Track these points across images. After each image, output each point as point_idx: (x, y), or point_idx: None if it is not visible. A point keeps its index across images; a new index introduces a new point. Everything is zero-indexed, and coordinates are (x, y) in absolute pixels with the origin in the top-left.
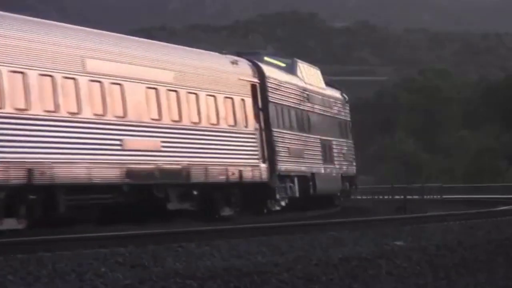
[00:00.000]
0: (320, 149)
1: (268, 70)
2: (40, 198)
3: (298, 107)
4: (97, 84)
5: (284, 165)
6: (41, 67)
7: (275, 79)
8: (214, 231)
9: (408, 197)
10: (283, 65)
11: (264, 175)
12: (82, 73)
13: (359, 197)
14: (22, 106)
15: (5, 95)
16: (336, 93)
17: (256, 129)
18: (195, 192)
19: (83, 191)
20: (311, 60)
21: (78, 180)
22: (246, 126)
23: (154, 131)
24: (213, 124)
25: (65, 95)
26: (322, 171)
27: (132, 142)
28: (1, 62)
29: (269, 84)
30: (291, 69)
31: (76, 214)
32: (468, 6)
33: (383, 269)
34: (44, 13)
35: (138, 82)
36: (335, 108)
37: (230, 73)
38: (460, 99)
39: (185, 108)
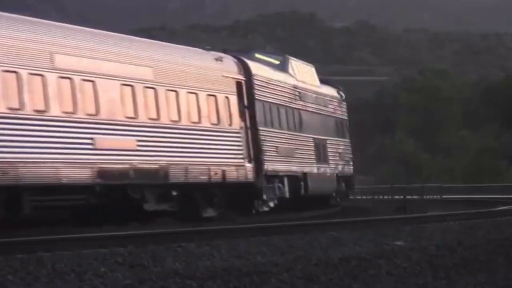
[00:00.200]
0: (313, 148)
1: (255, 67)
2: (2, 199)
3: (288, 105)
4: (67, 80)
5: (271, 165)
6: (5, 63)
7: (263, 76)
8: (214, 231)
9: (408, 197)
10: (276, 62)
11: (250, 175)
12: (51, 69)
13: (358, 197)
14: None
15: None
16: (332, 91)
17: (241, 127)
18: (174, 193)
19: (52, 192)
20: (311, 60)
21: (45, 180)
22: (230, 125)
23: (129, 130)
24: (194, 123)
25: (31, 92)
26: (315, 170)
27: (105, 141)
28: None
29: (255, 82)
30: (282, 67)
31: (45, 215)
32: (468, 6)
33: (383, 269)
34: (44, 13)
35: (112, 79)
36: (331, 106)
37: (213, 69)
38: (460, 99)
39: (164, 106)
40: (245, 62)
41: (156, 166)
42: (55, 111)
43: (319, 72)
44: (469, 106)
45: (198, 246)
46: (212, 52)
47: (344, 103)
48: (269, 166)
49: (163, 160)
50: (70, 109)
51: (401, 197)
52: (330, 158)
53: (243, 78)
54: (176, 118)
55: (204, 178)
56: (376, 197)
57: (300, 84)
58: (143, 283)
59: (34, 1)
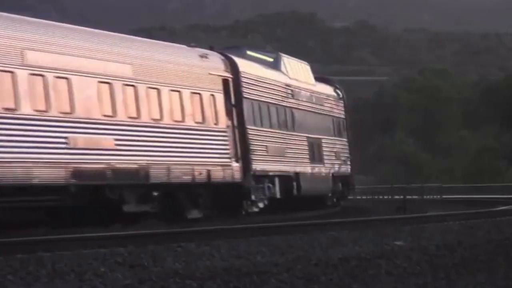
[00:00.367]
0: (306, 148)
1: (242, 65)
2: None
3: (280, 103)
4: (39, 78)
5: (260, 164)
6: None
7: (251, 74)
8: (214, 231)
9: (408, 197)
10: (269, 59)
11: (237, 175)
12: (21, 66)
13: (358, 197)
14: None
15: None
16: (328, 90)
17: (228, 126)
18: (155, 193)
19: (24, 193)
20: (311, 60)
21: (15, 180)
22: (216, 123)
23: (106, 128)
24: (177, 121)
25: (0, 90)
26: (309, 170)
27: (80, 140)
28: None
29: (243, 79)
30: (274, 64)
31: (16, 216)
32: (468, 6)
33: (382, 269)
34: (44, 13)
35: (88, 76)
36: (327, 104)
37: (198, 67)
38: (460, 99)
39: (145, 104)
40: (232, 59)
41: (136, 166)
42: (26, 109)
43: (319, 72)
44: (469, 106)
45: (198, 246)
46: (197, 49)
47: (342, 101)
48: (257, 166)
49: (143, 160)
50: (43, 107)
51: (401, 197)
52: (325, 157)
53: (230, 76)
54: (157, 116)
55: (187, 178)
56: (376, 197)
57: (293, 82)
58: (143, 283)
59: (34, 1)
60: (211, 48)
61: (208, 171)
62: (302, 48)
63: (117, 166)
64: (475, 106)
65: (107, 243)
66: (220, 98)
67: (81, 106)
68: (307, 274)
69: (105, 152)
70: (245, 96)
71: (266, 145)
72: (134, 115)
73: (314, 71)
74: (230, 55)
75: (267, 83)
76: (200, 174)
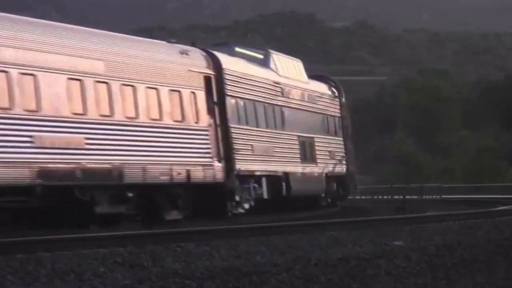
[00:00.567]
0: (297, 147)
1: (226, 61)
2: None
3: (268, 101)
4: (3, 74)
5: (245, 164)
6: None
7: (235, 71)
8: (213, 231)
9: (408, 197)
10: (259, 56)
11: (219, 175)
12: None
13: (358, 197)
14: None
15: None
16: (322, 88)
17: (209, 125)
18: (130, 194)
19: None
20: (311, 60)
21: None
22: (197, 122)
23: (76, 127)
24: (154, 120)
25: None
26: (300, 170)
27: (47, 138)
28: None
29: (227, 76)
30: (263, 61)
31: None
32: (468, 6)
33: (382, 269)
34: (44, 13)
35: (57, 73)
36: (320, 103)
37: (178, 64)
38: (460, 99)
39: (118, 101)
40: (215, 56)
41: (108, 166)
42: None
43: (319, 72)
44: (469, 106)
45: (198, 246)
46: (178, 45)
47: (337, 99)
48: (242, 166)
49: (116, 159)
50: (6, 105)
51: (401, 197)
52: (318, 157)
53: (212, 73)
54: (132, 114)
55: (165, 178)
56: (375, 197)
57: (282, 80)
58: (143, 283)
59: (33, 1)
60: (193, 45)
61: (188, 171)
62: (302, 48)
63: (88, 166)
64: (475, 106)
65: (106, 243)
66: (201, 95)
67: (48, 103)
68: (307, 274)
69: (74, 152)
70: (229, 94)
71: (251, 144)
72: (107, 113)
73: (313, 70)
74: (213, 52)
75: (254, 80)
76: (179, 174)
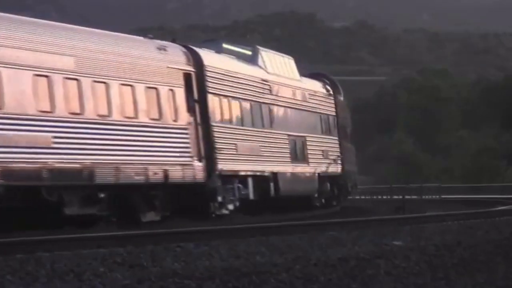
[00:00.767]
0: (287, 146)
1: (208, 58)
2: None
3: (255, 99)
4: None
5: (228, 164)
6: None
7: (218, 68)
8: (213, 231)
9: (407, 197)
10: (248, 53)
11: (200, 175)
12: None
13: (357, 197)
14: None
15: None
16: (315, 85)
17: (189, 123)
18: (102, 195)
19: None
20: (311, 60)
21: None
22: (175, 120)
23: (42, 125)
24: (129, 118)
25: None
26: (289, 170)
27: (9, 137)
28: None
29: (208, 73)
30: (251, 58)
31: None
32: (468, 6)
33: (382, 269)
34: (44, 13)
35: (21, 69)
36: (313, 101)
37: (155, 60)
38: (460, 99)
39: (89, 99)
40: (196, 52)
41: (78, 166)
42: None
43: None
44: (469, 106)
45: (197, 246)
46: (156, 41)
47: (332, 98)
48: (224, 165)
49: (86, 159)
50: None
51: (400, 197)
52: (310, 156)
53: (193, 70)
54: (105, 112)
55: (140, 178)
56: (375, 197)
57: (271, 77)
58: (142, 283)
59: (33, 1)
60: (173, 41)
61: (165, 170)
62: (302, 48)
63: (56, 165)
64: (475, 106)
65: (106, 243)
66: (180, 93)
67: (12, 101)
68: (306, 274)
69: (40, 151)
70: (211, 91)
71: (235, 144)
72: (77, 110)
73: (313, 70)
74: (194, 48)
75: (239, 77)
76: (156, 174)
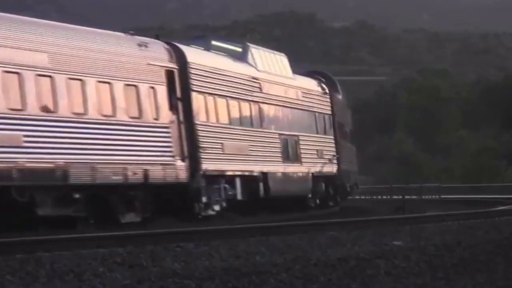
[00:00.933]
0: (278, 145)
1: (192, 55)
2: None
3: (243, 97)
4: None
5: (213, 163)
6: None
7: (203, 65)
8: (213, 231)
9: (407, 197)
10: (238, 50)
11: (182, 175)
12: None
13: (357, 197)
14: None
15: None
16: (310, 84)
17: (171, 121)
18: (77, 195)
19: None
20: (310, 60)
21: None
22: (156, 118)
23: (12, 123)
24: (106, 116)
25: None
26: (281, 170)
27: None
28: None
29: (192, 71)
30: (241, 55)
31: None
32: (468, 6)
33: (381, 269)
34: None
35: None
36: (307, 100)
37: (135, 57)
38: (460, 99)
39: (64, 96)
40: (179, 49)
41: (51, 165)
42: None
43: None
44: (469, 106)
45: (197, 246)
46: (136, 37)
47: (327, 96)
48: (209, 165)
49: (60, 158)
50: None
51: (400, 197)
52: (303, 156)
53: (175, 67)
54: (80, 110)
55: (118, 178)
56: (375, 197)
57: (262, 75)
58: (142, 283)
59: (33, 1)
60: (156, 37)
61: (145, 170)
62: (302, 48)
63: (27, 165)
64: (475, 106)
65: (106, 243)
66: (162, 91)
67: None
68: (306, 274)
69: (10, 150)
70: (195, 89)
71: (222, 143)
72: (50, 108)
73: (312, 70)
74: (177, 45)
75: (227, 75)
76: (135, 174)
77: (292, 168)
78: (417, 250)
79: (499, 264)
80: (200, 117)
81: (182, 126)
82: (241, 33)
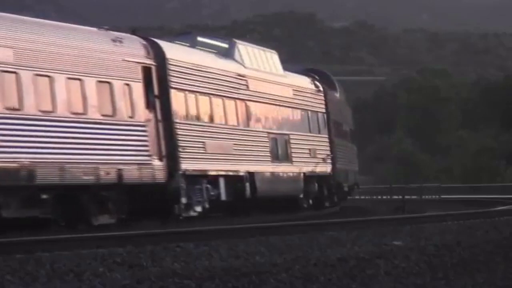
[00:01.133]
0: (267, 144)
1: (171, 51)
2: None
3: (228, 95)
4: None
5: (194, 163)
6: None
7: (184, 61)
8: (212, 231)
9: (407, 197)
10: (224, 46)
11: (160, 175)
12: None
13: (357, 197)
14: None
15: None
16: (302, 81)
17: (148, 120)
18: (44, 196)
19: None
20: (310, 60)
21: None
22: (131, 116)
23: None
24: (77, 114)
25: None
26: (269, 169)
27: None
28: None
29: (171, 67)
30: (227, 52)
31: None
32: (467, 6)
33: (381, 269)
34: (43, 12)
35: None
36: (299, 98)
37: (108, 52)
38: (459, 99)
39: (30, 93)
40: (157, 45)
41: (15, 165)
42: None
43: None
44: (468, 106)
45: (197, 246)
46: (111, 33)
47: (321, 94)
48: (189, 165)
49: (25, 158)
50: None
51: (400, 197)
52: (294, 155)
53: (153, 63)
54: (48, 108)
55: (89, 178)
56: (375, 197)
57: (248, 72)
58: (142, 283)
59: (33, 1)
60: (132, 33)
61: (119, 170)
62: (301, 48)
63: None
64: (474, 106)
65: (105, 243)
66: (138, 88)
67: None
68: (306, 274)
69: None
70: (174, 86)
71: (203, 142)
72: (15, 106)
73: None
74: (155, 40)
75: (210, 72)
76: (108, 174)
77: (282, 168)
78: (417, 250)
79: (499, 264)
80: (179, 115)
81: (160, 125)
82: (241, 33)
